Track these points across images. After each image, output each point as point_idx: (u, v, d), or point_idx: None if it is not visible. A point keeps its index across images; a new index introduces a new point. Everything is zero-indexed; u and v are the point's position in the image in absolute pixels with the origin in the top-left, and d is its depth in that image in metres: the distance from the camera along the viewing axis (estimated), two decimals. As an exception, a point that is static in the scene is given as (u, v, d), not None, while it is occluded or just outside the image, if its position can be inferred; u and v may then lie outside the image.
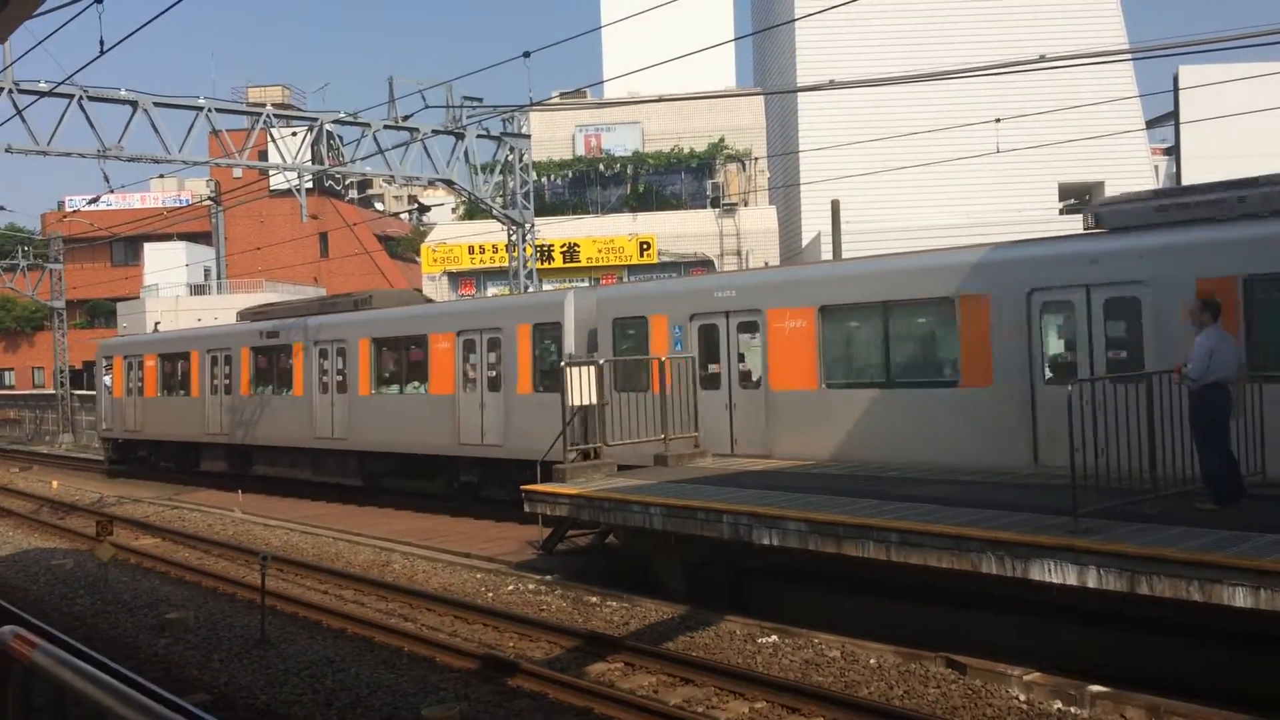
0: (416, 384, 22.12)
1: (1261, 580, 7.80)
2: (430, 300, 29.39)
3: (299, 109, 52.08)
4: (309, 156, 24.95)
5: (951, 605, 10.55)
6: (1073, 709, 8.78)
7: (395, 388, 22.73)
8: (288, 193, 45.43)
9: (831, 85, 24.23)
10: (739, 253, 37.48)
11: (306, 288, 59.80)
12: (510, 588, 14.37)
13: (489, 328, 20.17)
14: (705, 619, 11.90)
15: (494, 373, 20.08)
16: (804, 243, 41.11)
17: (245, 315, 29.01)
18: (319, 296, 34.36)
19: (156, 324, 45.04)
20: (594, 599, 13.25)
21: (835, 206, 30.47)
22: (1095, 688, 8.85)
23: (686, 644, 11.23)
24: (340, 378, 23.85)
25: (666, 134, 40.91)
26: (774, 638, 11.10)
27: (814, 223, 40.11)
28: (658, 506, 12.48)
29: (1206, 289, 11.51)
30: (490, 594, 14.20)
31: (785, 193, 44.67)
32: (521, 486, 14.62)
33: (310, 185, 32.20)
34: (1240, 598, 7.92)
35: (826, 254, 32.21)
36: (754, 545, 11.51)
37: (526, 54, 18.83)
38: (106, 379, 32.35)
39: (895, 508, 10.99)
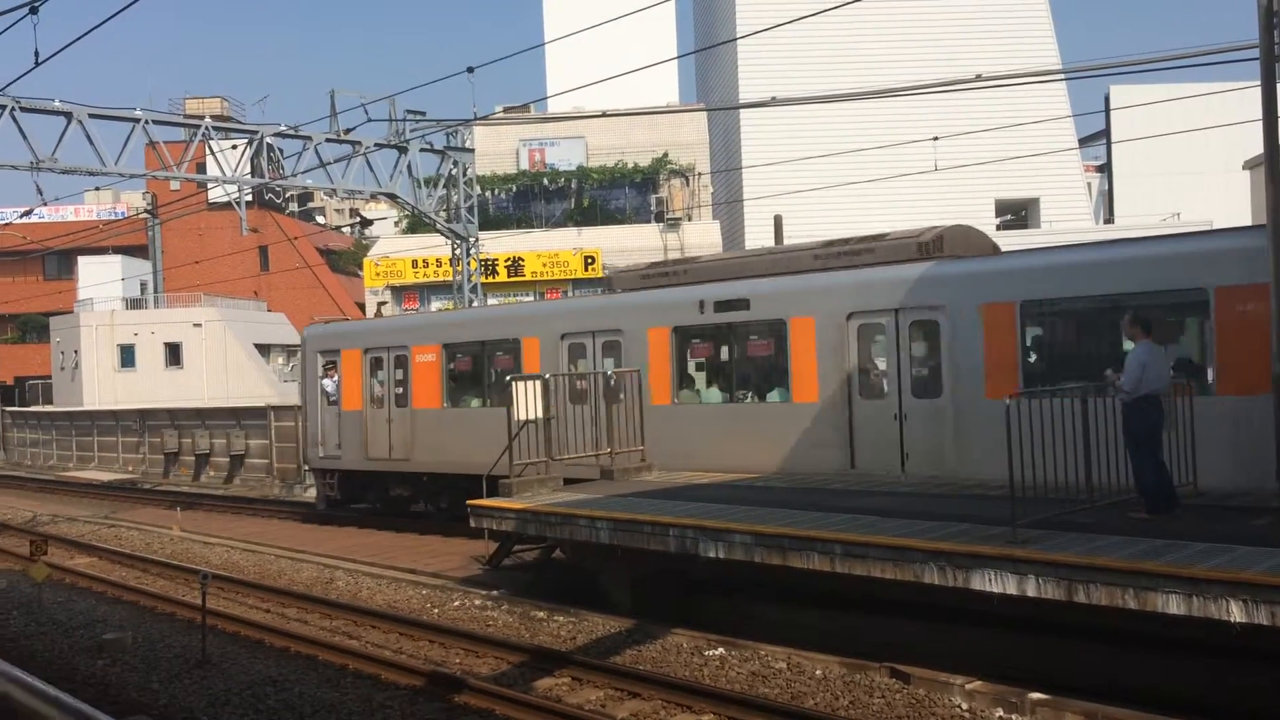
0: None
1: (1194, 587, 8.02)
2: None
3: (238, 121, 51.46)
4: (249, 169, 24.67)
5: (896, 616, 10.70)
6: (1014, 716, 8.95)
7: None
8: (227, 205, 44.87)
9: (773, 102, 24.52)
10: (683, 267, 37.67)
11: (248, 301, 59.01)
12: (456, 604, 14.28)
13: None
14: (652, 632, 11.93)
15: None
16: (747, 257, 41.47)
17: (627, 279, 18.80)
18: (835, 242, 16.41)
19: (381, 305, 37.23)
20: (541, 614, 13.22)
21: (778, 221, 30.80)
22: (1035, 695, 9.02)
23: (634, 657, 11.25)
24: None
25: (610, 149, 41.07)
26: (721, 650, 11.16)
27: (758, 237, 40.51)
28: (604, 520, 12.49)
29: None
30: (436, 610, 14.10)
31: (729, 208, 45.05)
32: (468, 501, 14.56)
33: (250, 198, 31.85)
34: (1174, 604, 8.13)
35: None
36: (700, 558, 11.58)
37: (470, 69, 18.86)
38: (327, 382, 22.22)
39: (839, 520, 11.12)
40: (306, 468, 24.06)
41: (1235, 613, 7.82)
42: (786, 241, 30.75)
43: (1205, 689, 8.87)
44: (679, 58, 41.61)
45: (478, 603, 14.16)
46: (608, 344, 17.68)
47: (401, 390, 20.50)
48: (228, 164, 24.34)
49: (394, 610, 14.02)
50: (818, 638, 11.02)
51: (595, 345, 17.84)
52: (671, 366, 16.79)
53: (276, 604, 14.88)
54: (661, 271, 18.23)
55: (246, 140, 24.22)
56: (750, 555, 11.03)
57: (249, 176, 24.70)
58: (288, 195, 65.82)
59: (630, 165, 40.91)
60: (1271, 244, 10.55)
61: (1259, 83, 10.68)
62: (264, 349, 55.61)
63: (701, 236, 38.70)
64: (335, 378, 21.92)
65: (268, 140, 23.69)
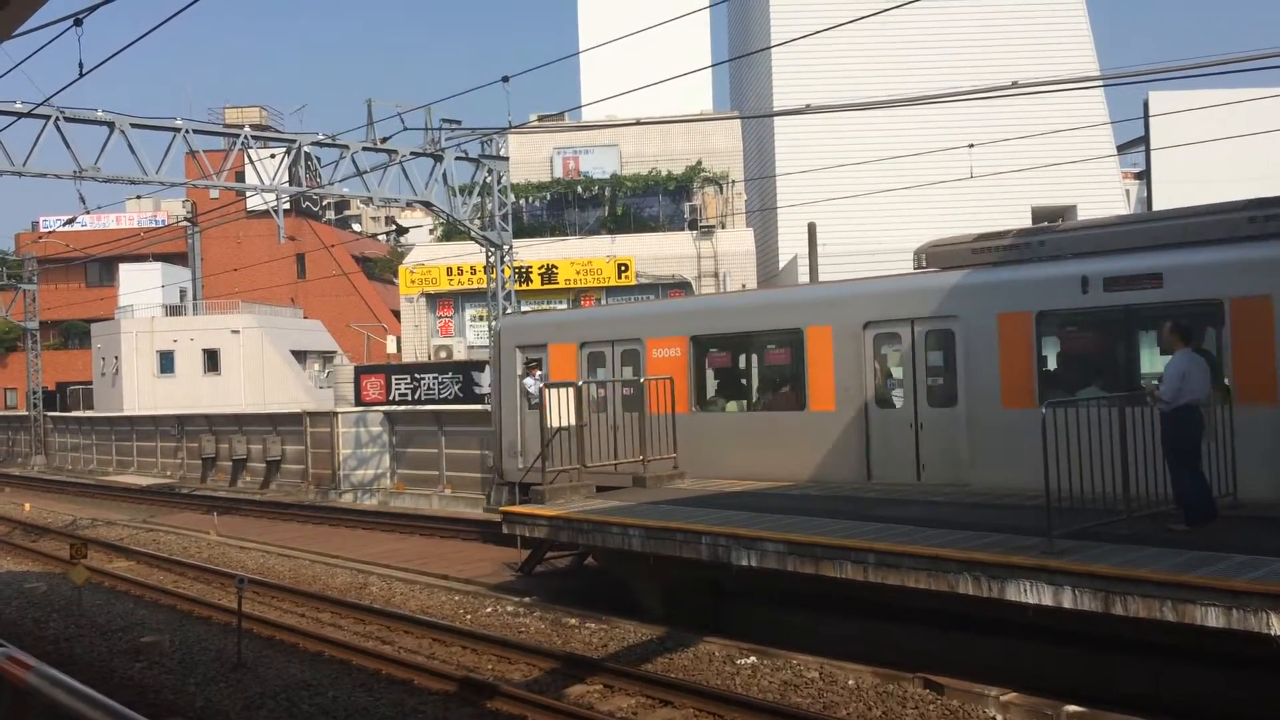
0: None
1: (1234, 600, 7.90)
2: None
3: (277, 130, 51.99)
4: (286, 178, 24.94)
5: (930, 626, 10.62)
6: (1049, 729, 8.85)
7: None
8: (265, 214, 45.33)
9: (808, 110, 24.47)
10: (716, 275, 37.65)
11: (285, 308, 59.60)
12: (489, 610, 14.33)
13: None
14: (684, 640, 11.91)
15: None
16: (781, 265, 41.35)
17: (948, 255, 14.78)
18: None
19: (582, 295, 32.61)
20: (573, 621, 13.24)
21: (812, 229, 30.71)
22: (1071, 708, 8.92)
23: (665, 665, 11.24)
24: None
25: (644, 157, 41.12)
26: (752, 659, 11.12)
27: (791, 245, 40.38)
28: (636, 528, 12.49)
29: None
30: (469, 616, 14.16)
31: (762, 215, 44.95)
32: (501, 508, 14.63)
33: (287, 206, 32.21)
34: (1213, 618, 8.01)
35: (804, 276, 32.44)
36: (732, 566, 11.55)
37: (505, 78, 18.93)
38: (529, 381, 18.93)
39: (872, 529, 11.06)
40: (498, 481, 20.37)
41: (1276, 626, 7.69)
42: (820, 251, 30.64)
43: (1245, 702, 8.72)
44: (713, 66, 41.59)
45: (510, 609, 14.20)
46: (934, 334, 14.27)
47: (631, 391, 17.19)
48: (266, 172, 24.62)
49: (427, 616, 14.09)
50: (850, 647, 10.95)
51: (916, 336, 14.48)
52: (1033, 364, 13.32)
53: (311, 609, 15.00)
54: (1010, 244, 14.17)
55: (285, 149, 24.49)
56: (783, 564, 10.99)
57: (287, 185, 24.97)
58: (325, 203, 66.48)
59: (664, 173, 40.93)
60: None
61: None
62: (300, 355, 56.17)
63: (735, 244, 38.65)
64: (539, 376, 18.63)
65: (305, 149, 23.94)
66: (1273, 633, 7.71)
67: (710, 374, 17.47)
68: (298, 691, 10.71)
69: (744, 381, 17.41)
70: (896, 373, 15.14)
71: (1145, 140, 49.07)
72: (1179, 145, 37.06)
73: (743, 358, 17.52)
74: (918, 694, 9.76)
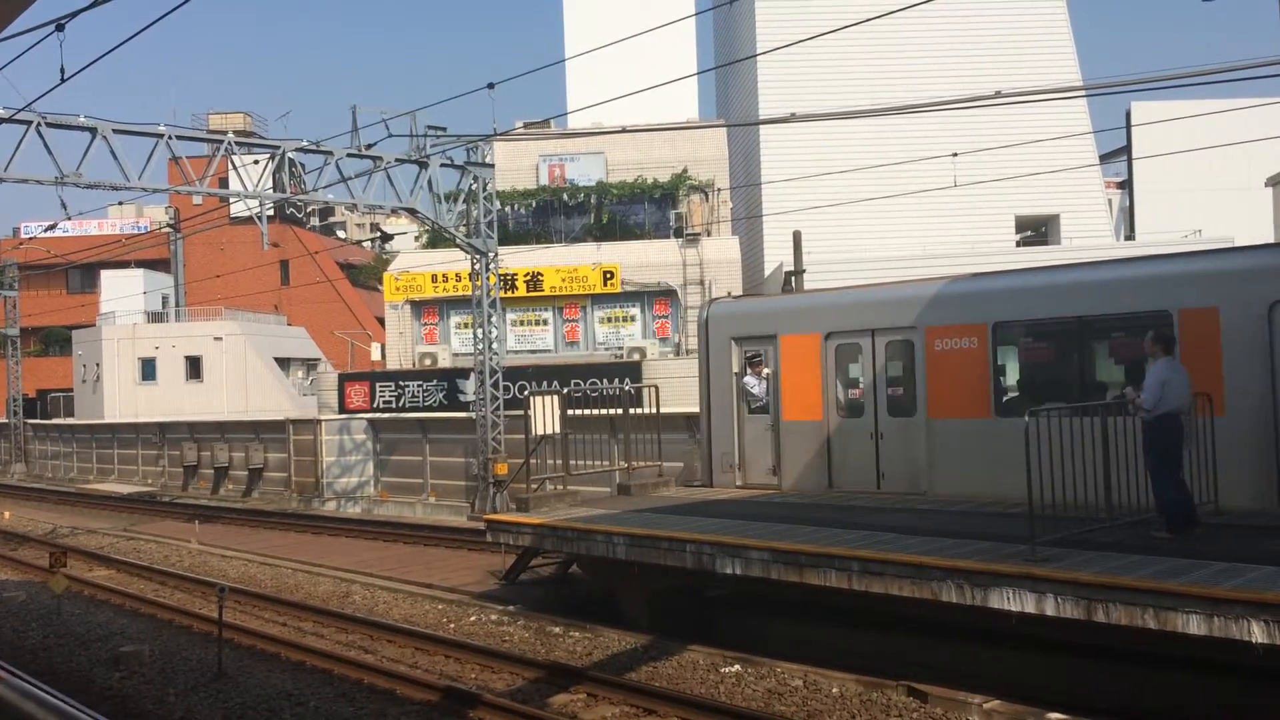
0: None
1: (1214, 608, 7.94)
2: None
3: (260, 136, 51.85)
4: (270, 184, 24.83)
5: (913, 634, 10.62)
6: (1032, 736, 8.86)
7: None
8: (248, 220, 45.13)
9: (793, 118, 24.52)
10: (702, 282, 37.69)
11: (268, 315, 59.36)
12: (472, 618, 14.27)
13: None
14: (668, 648, 11.88)
15: None
16: (766, 273, 41.45)
17: None
18: None
19: (792, 275, 26.41)
20: (557, 629, 13.20)
21: (797, 237, 30.77)
22: (1054, 715, 8.93)
23: (649, 674, 11.21)
24: None
25: (630, 164, 41.16)
26: (737, 667, 11.11)
27: (776, 253, 40.50)
28: (621, 536, 12.47)
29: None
30: (452, 625, 14.09)
31: (748, 223, 45.06)
32: (485, 516, 14.59)
33: (271, 213, 32.06)
34: (1194, 625, 8.04)
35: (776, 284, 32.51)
36: (717, 574, 11.54)
37: (490, 85, 18.90)
38: (751, 380, 16.38)
39: (857, 536, 11.07)
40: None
41: (1257, 633, 7.72)
42: (805, 259, 30.71)
43: (1225, 710, 8.75)
44: (699, 74, 41.67)
45: (494, 618, 14.15)
46: None
47: (902, 391, 14.73)
48: (250, 179, 24.50)
49: (410, 625, 14.01)
50: (834, 655, 10.95)
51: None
52: None
53: (293, 617, 14.91)
54: None
55: (268, 155, 24.38)
56: (767, 572, 11.00)
57: (271, 191, 24.88)
58: (309, 210, 66.31)
59: (650, 181, 40.97)
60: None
61: (1281, 99, 10.61)
62: (284, 363, 55.93)
63: (721, 252, 38.72)
64: (765, 374, 16.15)
65: (289, 155, 23.84)
66: (1254, 640, 7.74)
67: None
68: (279, 701, 10.63)
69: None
70: None
71: (1128, 150, 49.37)
72: (1160, 155, 37.32)
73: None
74: (901, 701, 9.76)
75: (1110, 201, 53.18)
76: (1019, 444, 9.15)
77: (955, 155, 25.92)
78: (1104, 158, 53.57)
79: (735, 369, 16.48)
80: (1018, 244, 46.03)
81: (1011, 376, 14.08)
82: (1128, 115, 47.51)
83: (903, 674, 10.14)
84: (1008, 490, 11.66)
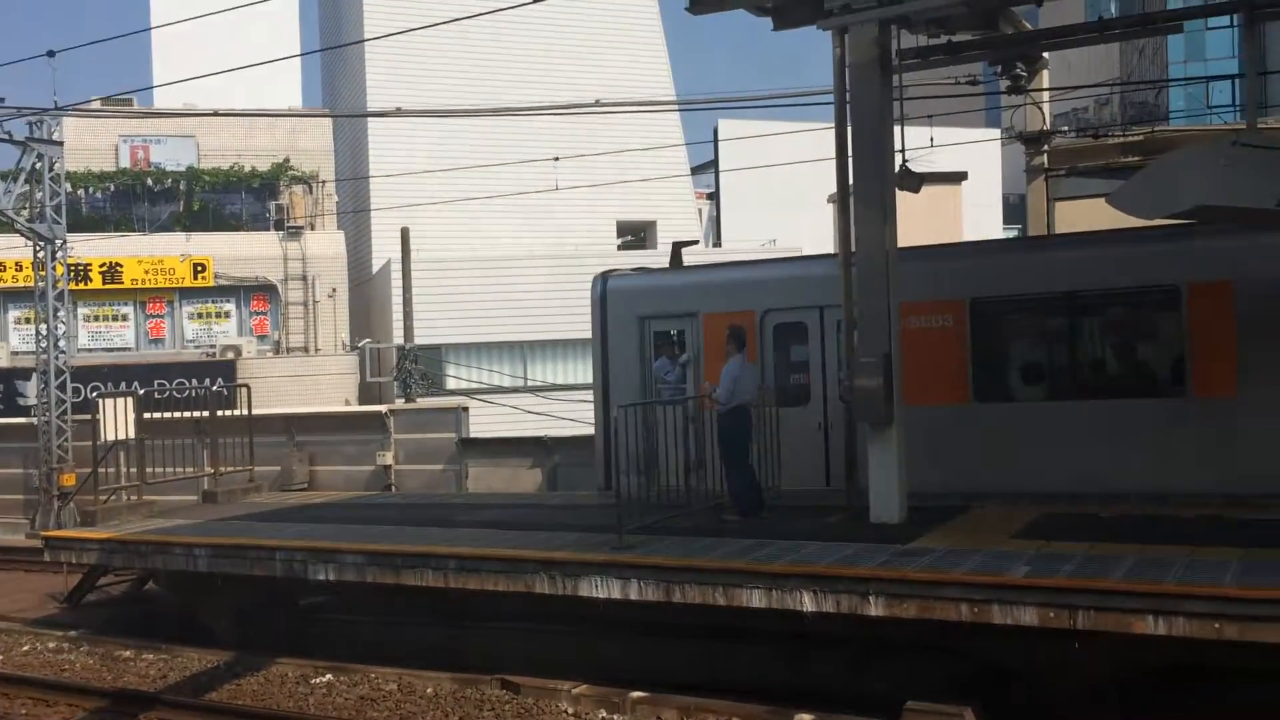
0: None
1: (772, 582, 8.69)
2: None
3: None
4: None
5: (513, 628, 10.76)
6: (615, 716, 9.25)
7: None
8: None
9: (399, 113, 24.15)
10: (304, 277, 36.16)
11: None
12: (26, 648, 12.69)
13: None
14: (255, 663, 11.21)
15: None
16: (375, 269, 40.53)
17: None
18: None
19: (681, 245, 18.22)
20: (127, 653, 12.04)
21: (405, 233, 30.37)
22: (636, 694, 9.38)
23: (233, 692, 10.52)
24: None
25: (225, 151, 38.58)
26: (329, 677, 10.70)
27: (385, 249, 39.68)
28: (203, 547, 11.64)
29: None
30: (1, 657, 12.44)
31: (355, 218, 43.81)
32: (42, 533, 13.02)
33: None
34: (757, 599, 8.76)
35: (397, 281, 32.07)
36: (310, 581, 11.06)
37: (51, 53, 16.90)
38: (662, 366, 13.89)
39: (458, 534, 11.05)
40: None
41: (807, 602, 8.55)
42: (414, 255, 30.40)
43: (791, 675, 9.59)
44: (301, 55, 40.00)
45: (52, 645, 12.66)
46: None
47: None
48: None
49: (-54, 662, 12.20)
50: (435, 655, 10.84)
51: None
52: None
53: None
54: None
55: None
56: (363, 575, 10.70)
57: None
58: None
59: (247, 169, 38.65)
60: (842, 269, 11.72)
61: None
62: None
63: (325, 247, 37.34)
64: (683, 359, 13.84)
65: None
66: (804, 609, 8.55)
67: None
68: None
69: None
70: None
71: (715, 163, 53.46)
72: (743, 169, 40.73)
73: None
74: (495, 695, 9.85)
75: (700, 211, 57.30)
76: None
77: (557, 160, 26.75)
78: (695, 169, 57.69)
79: (642, 353, 14.16)
80: (619, 248, 48.35)
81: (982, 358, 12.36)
82: (715, 131, 51.41)
83: (499, 668, 10.23)
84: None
